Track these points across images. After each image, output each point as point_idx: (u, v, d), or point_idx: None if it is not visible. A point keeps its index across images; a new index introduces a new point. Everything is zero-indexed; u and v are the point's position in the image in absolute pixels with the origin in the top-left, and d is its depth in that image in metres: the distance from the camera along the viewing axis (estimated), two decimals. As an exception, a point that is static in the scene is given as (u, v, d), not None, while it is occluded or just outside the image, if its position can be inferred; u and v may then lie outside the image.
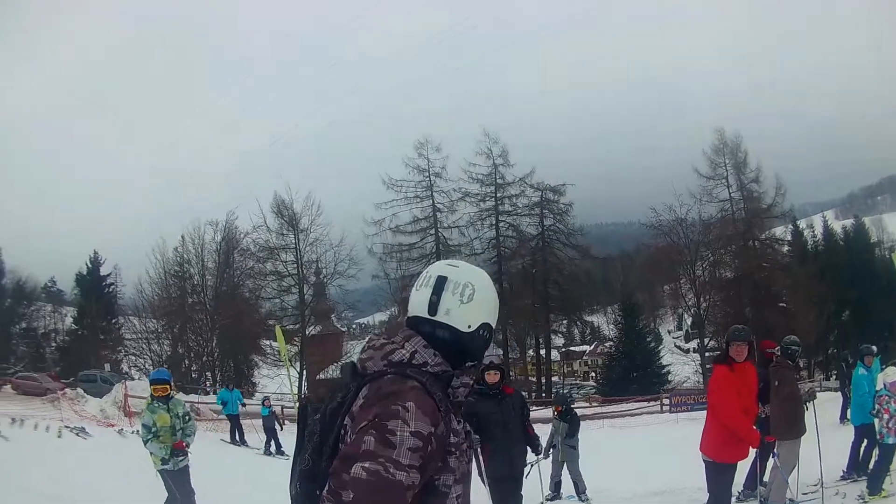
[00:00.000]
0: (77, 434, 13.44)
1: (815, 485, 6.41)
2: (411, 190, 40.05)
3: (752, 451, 5.26)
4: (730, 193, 39.65)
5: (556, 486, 8.31)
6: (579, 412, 9.53)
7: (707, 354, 37.45)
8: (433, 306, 1.65)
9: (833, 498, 6.43)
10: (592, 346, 48.32)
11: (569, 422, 8.37)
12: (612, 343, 43.85)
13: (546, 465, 7.59)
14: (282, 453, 15.40)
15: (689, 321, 50.78)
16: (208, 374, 39.10)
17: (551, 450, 8.11)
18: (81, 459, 10.04)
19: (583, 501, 8.06)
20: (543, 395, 37.77)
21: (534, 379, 42.30)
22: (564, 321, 43.53)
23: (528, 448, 5.42)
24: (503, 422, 5.10)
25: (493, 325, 1.75)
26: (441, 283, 1.66)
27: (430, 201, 40.23)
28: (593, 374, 45.70)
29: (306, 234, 38.86)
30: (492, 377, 5.21)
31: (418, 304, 1.68)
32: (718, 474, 4.80)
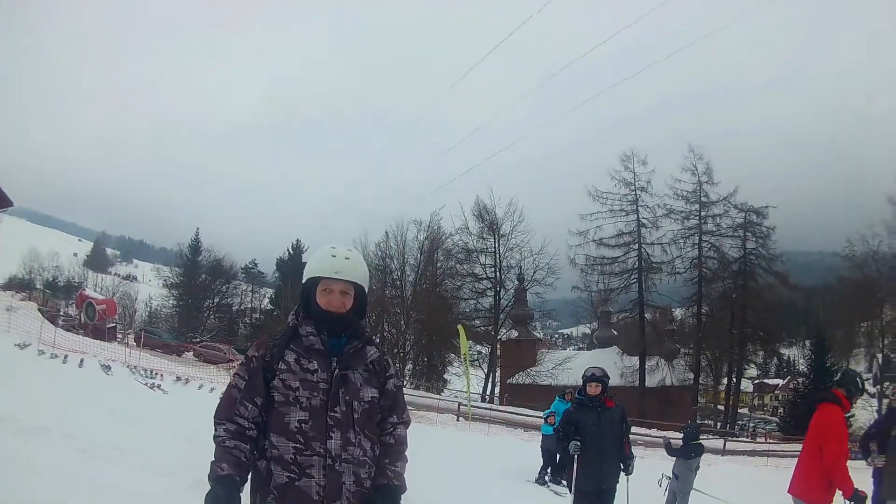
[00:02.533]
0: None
1: None
2: (616, 203, 39.46)
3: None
4: None
5: None
6: (750, 447, 8.78)
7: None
8: None
9: None
10: (786, 381, 45.82)
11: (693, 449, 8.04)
12: (803, 380, 41.41)
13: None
14: None
15: (879, 363, 47.38)
16: (398, 365, 40.18)
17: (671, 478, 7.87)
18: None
19: None
20: (728, 425, 36.38)
21: (722, 407, 40.60)
22: (760, 352, 41.39)
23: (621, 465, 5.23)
24: (599, 434, 5.09)
25: (318, 278, 2.27)
26: None
27: (636, 216, 39.40)
28: (782, 410, 43.29)
29: (506, 240, 39.08)
30: (593, 389, 5.21)
31: None
32: None
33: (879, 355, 45.64)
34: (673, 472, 7.90)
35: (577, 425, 5.17)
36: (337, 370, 2.20)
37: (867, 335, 43.88)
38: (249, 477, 2.19)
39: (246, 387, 2.19)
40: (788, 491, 4.68)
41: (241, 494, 2.10)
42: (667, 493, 7.88)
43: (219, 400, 2.29)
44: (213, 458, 2.11)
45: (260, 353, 2.23)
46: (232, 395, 2.20)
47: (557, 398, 11.01)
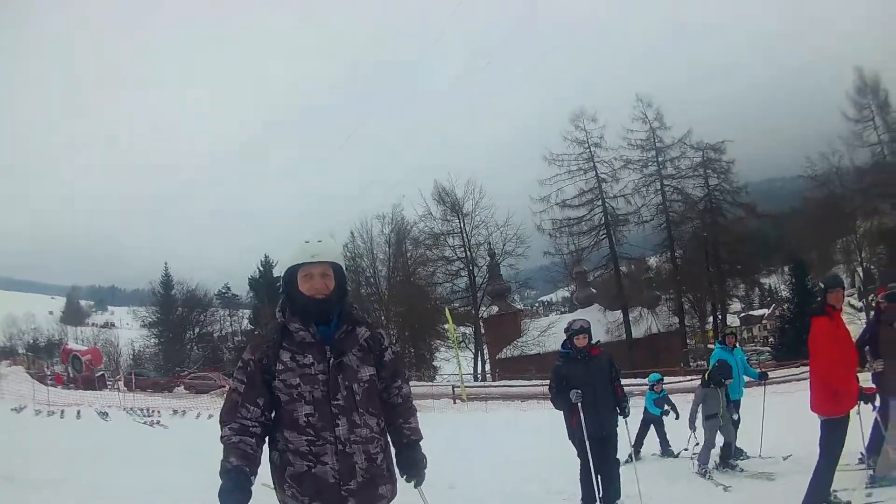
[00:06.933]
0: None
1: None
2: (573, 163, 39.39)
3: (875, 413, 4.92)
4: (878, 136, 36.84)
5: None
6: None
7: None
8: None
9: None
10: (770, 310, 46.04)
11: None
12: (788, 305, 41.59)
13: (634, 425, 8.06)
14: None
15: (861, 277, 47.75)
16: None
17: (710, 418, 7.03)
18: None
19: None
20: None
21: (712, 346, 40.60)
22: (741, 285, 41.51)
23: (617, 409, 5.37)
24: (591, 383, 5.19)
25: (297, 267, 2.33)
26: None
27: (594, 172, 39.36)
28: (772, 339, 43.46)
29: (471, 218, 38.90)
30: (580, 341, 5.31)
31: None
32: (829, 430, 4.52)
33: (860, 269, 46.06)
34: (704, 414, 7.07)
35: (568, 378, 5.24)
36: (332, 358, 2.29)
37: (844, 251, 44.13)
38: (269, 469, 2.32)
39: (245, 390, 2.28)
40: (811, 409, 4.72)
41: (251, 485, 2.18)
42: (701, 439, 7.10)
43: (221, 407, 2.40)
44: (222, 457, 2.20)
45: (256, 356, 2.31)
46: (233, 398, 2.30)
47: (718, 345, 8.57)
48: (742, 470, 6.89)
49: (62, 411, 13.87)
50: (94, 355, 34.57)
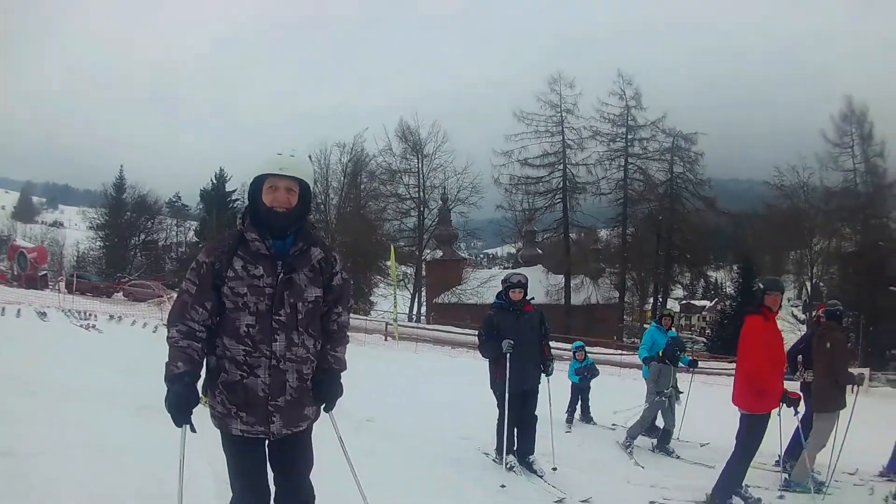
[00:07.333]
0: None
1: (853, 473, 5.96)
2: (542, 124, 39.14)
3: (796, 419, 5.03)
4: (854, 164, 37.04)
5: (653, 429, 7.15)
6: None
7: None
8: None
9: (858, 490, 5.57)
10: (713, 303, 46.30)
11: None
12: (731, 302, 41.88)
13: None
14: None
15: (809, 291, 48.31)
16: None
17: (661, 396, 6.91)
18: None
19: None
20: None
21: (647, 327, 40.76)
22: (688, 273, 41.65)
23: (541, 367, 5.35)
24: (520, 337, 5.13)
25: (264, 177, 2.31)
26: None
27: (561, 136, 39.12)
28: (709, 330, 43.73)
29: (430, 160, 38.52)
30: (516, 294, 5.28)
31: None
32: (748, 425, 4.64)
33: (808, 283, 46.51)
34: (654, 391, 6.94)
35: (498, 328, 5.21)
36: (282, 274, 2.29)
37: (797, 263, 44.55)
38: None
39: (196, 292, 2.28)
40: (732, 401, 4.81)
41: (198, 389, 2.22)
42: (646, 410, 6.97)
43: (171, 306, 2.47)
44: (168, 359, 2.22)
45: (209, 259, 2.29)
46: (183, 300, 2.30)
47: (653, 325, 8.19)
48: (678, 457, 6.72)
49: (3, 308, 14.20)
50: (39, 253, 34.08)
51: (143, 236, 47.79)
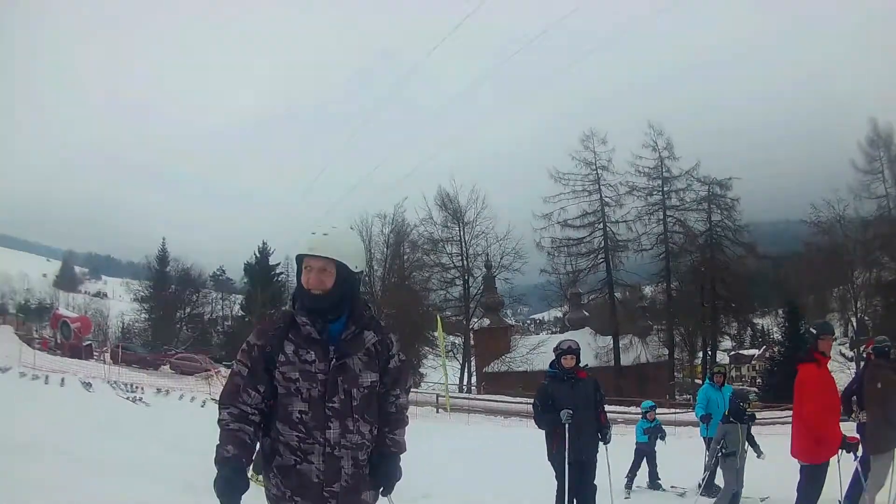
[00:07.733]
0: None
1: None
2: (579, 184, 39.47)
3: (856, 463, 4.93)
4: (886, 189, 37.03)
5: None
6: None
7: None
8: None
9: None
10: (761, 350, 45.95)
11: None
12: (779, 348, 41.54)
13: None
14: None
15: (855, 327, 47.69)
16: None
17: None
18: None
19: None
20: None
21: (699, 381, 40.63)
22: (734, 323, 41.50)
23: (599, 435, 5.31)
24: (575, 406, 5.09)
25: (301, 258, 2.26)
26: None
27: (598, 195, 39.43)
28: (760, 380, 43.39)
29: (471, 227, 38.88)
30: (567, 361, 5.23)
31: None
32: (808, 476, 4.56)
33: (854, 319, 45.93)
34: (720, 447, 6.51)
35: (553, 398, 5.17)
36: (334, 359, 2.23)
37: (840, 300, 44.07)
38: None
39: (248, 375, 2.25)
40: (791, 453, 4.76)
41: (248, 476, 2.18)
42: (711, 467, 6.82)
43: (222, 387, 2.37)
44: (219, 442, 2.17)
45: (261, 342, 2.27)
46: (235, 382, 2.27)
47: (707, 382, 8.52)
48: None
49: (46, 377, 13.93)
50: (83, 323, 34.36)
51: (188, 309, 48.50)
